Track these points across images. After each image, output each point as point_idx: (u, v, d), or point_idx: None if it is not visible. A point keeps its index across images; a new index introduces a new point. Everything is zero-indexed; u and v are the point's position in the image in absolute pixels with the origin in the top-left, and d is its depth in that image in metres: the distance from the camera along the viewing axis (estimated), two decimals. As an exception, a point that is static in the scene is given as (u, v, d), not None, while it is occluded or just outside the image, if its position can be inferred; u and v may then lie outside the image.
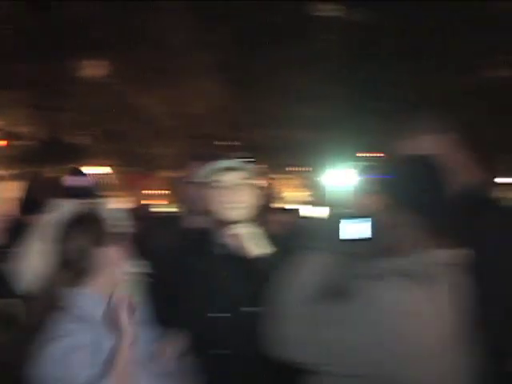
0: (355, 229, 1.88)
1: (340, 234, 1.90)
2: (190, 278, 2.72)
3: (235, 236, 2.67)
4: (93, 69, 13.98)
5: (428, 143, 2.28)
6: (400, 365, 1.67)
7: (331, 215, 2.01)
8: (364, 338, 1.69)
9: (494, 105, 15.39)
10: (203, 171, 2.74)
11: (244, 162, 2.72)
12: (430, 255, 1.78)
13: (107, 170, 13.69)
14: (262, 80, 15.60)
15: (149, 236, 3.31)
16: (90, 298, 2.17)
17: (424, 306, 1.70)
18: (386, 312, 1.67)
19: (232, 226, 2.68)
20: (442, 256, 1.79)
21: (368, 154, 16.85)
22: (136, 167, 15.75)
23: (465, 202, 2.11)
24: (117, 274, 2.28)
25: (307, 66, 15.27)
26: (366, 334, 1.69)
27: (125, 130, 14.53)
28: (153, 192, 18.34)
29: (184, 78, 13.87)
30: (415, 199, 1.80)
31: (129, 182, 6.11)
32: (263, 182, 2.88)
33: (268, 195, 4.19)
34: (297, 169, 18.70)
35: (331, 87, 15.57)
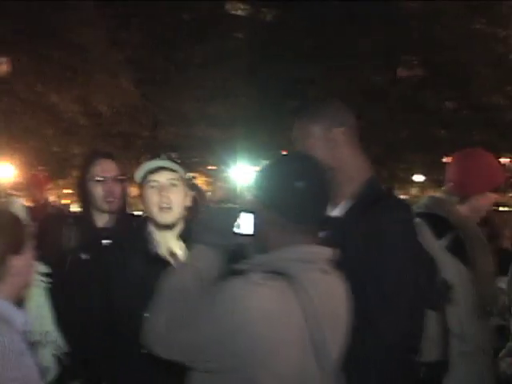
0: (246, 223, 1.85)
1: (234, 228, 1.85)
2: (122, 278, 2.64)
3: (164, 237, 2.67)
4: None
5: (318, 136, 2.22)
6: (257, 364, 1.61)
7: (226, 209, 1.94)
8: (206, 335, 1.64)
9: (407, 104, 15.99)
10: (138, 171, 2.66)
11: (174, 161, 2.67)
12: (295, 251, 1.74)
13: (11, 168, 13.30)
14: (175, 78, 15.61)
15: (55, 236, 3.23)
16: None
17: (280, 303, 1.64)
18: (229, 308, 1.61)
19: (163, 226, 2.65)
20: (307, 252, 1.75)
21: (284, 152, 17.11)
22: (46, 166, 15.41)
23: (360, 198, 2.19)
24: (28, 279, 2.17)
25: (218, 65, 15.36)
26: (208, 332, 1.64)
27: (33, 129, 14.17)
28: (64, 191, 18.02)
29: (96, 76, 13.70)
30: (277, 199, 1.73)
31: (36, 182, 6.01)
32: (193, 182, 2.80)
33: (199, 194, 4.16)
34: (210, 167, 18.78)
35: (242, 86, 15.75)
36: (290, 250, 1.73)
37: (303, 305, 1.65)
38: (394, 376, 2.09)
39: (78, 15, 12.84)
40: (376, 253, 2.05)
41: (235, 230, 1.85)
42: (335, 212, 2.25)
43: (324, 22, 15.05)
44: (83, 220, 3.29)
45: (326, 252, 1.78)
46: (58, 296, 2.76)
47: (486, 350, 2.83)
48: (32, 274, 2.23)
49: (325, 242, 1.82)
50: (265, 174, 1.82)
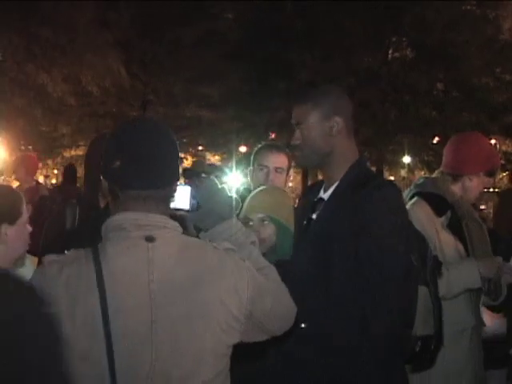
0: (182, 197, 1.83)
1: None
2: None
3: None
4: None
5: (305, 114, 2.23)
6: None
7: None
8: None
9: (397, 85, 16.02)
10: None
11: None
12: (113, 220, 1.65)
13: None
14: (164, 59, 15.56)
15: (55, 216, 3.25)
16: None
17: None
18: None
19: None
20: (125, 219, 1.63)
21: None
22: (34, 146, 15.37)
23: (348, 179, 2.21)
24: (20, 251, 2.22)
25: (208, 46, 15.30)
26: None
27: (22, 108, 14.10)
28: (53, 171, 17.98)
29: (85, 56, 13.62)
30: (105, 166, 1.64)
31: (27, 162, 5.97)
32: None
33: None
34: (200, 147, 18.77)
35: (231, 66, 15.71)
36: (112, 218, 1.62)
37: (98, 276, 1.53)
38: (391, 351, 2.13)
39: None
40: (366, 230, 2.06)
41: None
42: (326, 194, 2.29)
43: (314, 3, 15.00)
44: (87, 201, 3.28)
45: (153, 219, 1.60)
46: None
47: (476, 327, 2.90)
48: (23, 249, 2.25)
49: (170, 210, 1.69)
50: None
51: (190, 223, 1.89)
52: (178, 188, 1.74)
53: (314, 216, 2.27)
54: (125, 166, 1.58)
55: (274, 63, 15.14)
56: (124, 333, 1.51)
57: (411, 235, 2.27)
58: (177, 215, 1.81)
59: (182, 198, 1.81)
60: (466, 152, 2.95)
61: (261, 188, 2.64)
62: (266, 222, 2.43)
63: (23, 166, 6.35)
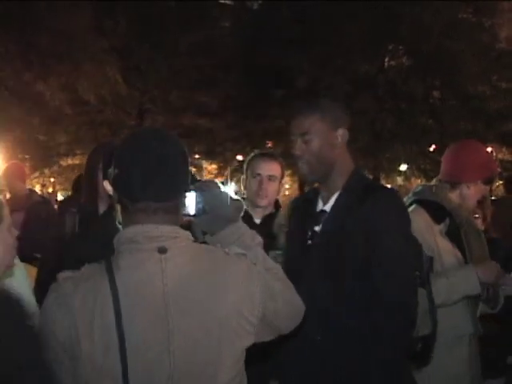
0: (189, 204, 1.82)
1: None
2: None
3: None
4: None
5: (306, 124, 2.26)
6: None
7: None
8: None
9: (394, 93, 16.06)
10: None
11: None
12: (125, 232, 1.65)
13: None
14: (161, 67, 15.57)
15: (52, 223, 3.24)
16: None
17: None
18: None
19: None
20: (136, 232, 1.63)
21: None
22: (31, 155, 15.37)
23: (347, 190, 2.26)
24: (5, 258, 2.13)
25: (205, 54, 15.33)
26: None
27: (19, 117, 14.11)
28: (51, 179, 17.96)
29: (82, 64, 13.64)
30: (115, 178, 1.65)
31: (16, 171, 5.97)
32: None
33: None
34: (197, 156, 18.76)
35: (229, 74, 15.74)
36: (124, 231, 1.63)
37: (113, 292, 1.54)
38: (403, 353, 2.20)
39: (64, 3, 12.77)
40: (376, 239, 2.10)
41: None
42: (327, 206, 2.31)
43: (310, 10, 15.05)
44: (87, 209, 3.28)
45: (164, 230, 1.61)
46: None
47: (474, 335, 2.90)
48: (10, 256, 2.16)
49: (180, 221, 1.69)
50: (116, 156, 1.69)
51: (196, 228, 1.89)
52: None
53: (317, 228, 2.29)
54: (134, 178, 1.59)
55: (271, 71, 15.16)
56: (140, 345, 1.52)
57: (413, 239, 2.32)
58: (184, 221, 1.82)
59: (187, 203, 1.80)
60: (465, 160, 2.97)
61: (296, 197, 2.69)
62: None
63: (15, 175, 6.33)
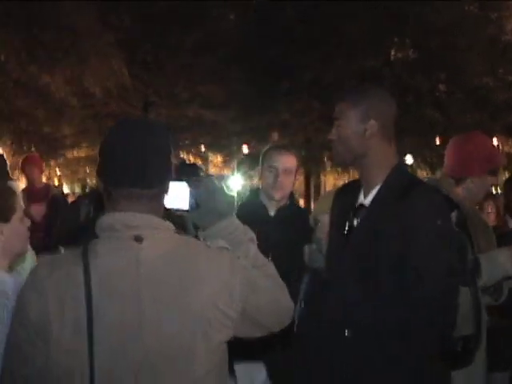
0: (180, 198, 1.82)
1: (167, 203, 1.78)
2: None
3: None
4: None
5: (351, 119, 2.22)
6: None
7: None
8: None
9: (400, 86, 15.97)
10: None
11: None
12: (103, 219, 1.66)
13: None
14: (166, 61, 15.55)
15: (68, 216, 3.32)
16: None
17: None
18: None
19: None
20: (116, 220, 1.63)
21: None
22: (37, 147, 15.39)
23: (388, 185, 2.22)
24: (17, 248, 2.22)
25: (210, 48, 15.27)
26: None
27: (25, 110, 14.13)
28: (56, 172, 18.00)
29: (88, 57, 13.64)
30: (98, 164, 1.66)
31: (33, 162, 5.97)
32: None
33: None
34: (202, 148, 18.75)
35: (234, 67, 15.68)
36: (104, 217, 1.63)
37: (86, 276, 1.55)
38: (433, 351, 2.17)
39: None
40: (411, 239, 2.07)
41: (168, 206, 1.76)
42: (367, 200, 2.29)
43: (315, 3, 14.97)
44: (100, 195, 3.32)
45: (143, 219, 1.61)
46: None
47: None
48: (22, 245, 2.25)
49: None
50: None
51: (189, 222, 1.90)
52: (176, 188, 1.77)
53: (356, 223, 2.28)
54: (116, 164, 1.60)
55: (276, 64, 15.10)
56: (110, 331, 1.53)
57: (454, 238, 2.30)
58: (177, 215, 1.83)
59: (180, 197, 1.81)
60: (468, 155, 2.93)
61: (331, 189, 2.68)
62: None
63: (35, 166, 6.33)
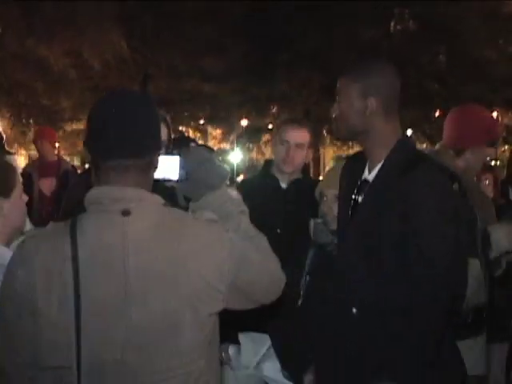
0: (170, 168, 1.82)
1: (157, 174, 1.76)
2: None
3: None
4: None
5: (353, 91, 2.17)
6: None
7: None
8: None
9: (399, 58, 15.86)
10: None
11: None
12: (91, 193, 1.65)
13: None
14: (165, 32, 15.42)
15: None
16: None
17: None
18: None
19: None
20: (101, 193, 1.63)
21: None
22: (35, 120, 15.35)
23: (391, 161, 2.18)
24: (18, 223, 2.22)
25: (209, 19, 15.15)
26: None
27: (23, 82, 14.06)
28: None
29: (87, 30, 13.52)
30: (86, 136, 1.67)
31: (46, 135, 5.92)
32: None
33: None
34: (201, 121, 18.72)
35: (233, 39, 15.57)
36: (92, 190, 1.62)
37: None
38: (444, 324, 2.14)
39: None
40: (413, 215, 2.05)
41: (157, 176, 1.74)
42: (371, 176, 2.26)
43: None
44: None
45: (130, 192, 1.61)
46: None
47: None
48: (22, 220, 2.27)
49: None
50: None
51: (179, 194, 1.89)
52: (166, 158, 1.77)
53: (360, 199, 2.26)
54: (104, 135, 1.59)
55: (275, 36, 14.99)
56: (96, 305, 1.53)
57: (457, 213, 2.22)
58: (168, 188, 1.83)
59: (170, 168, 1.80)
60: (467, 126, 2.93)
61: (337, 163, 2.65)
62: None
63: (47, 140, 6.22)
